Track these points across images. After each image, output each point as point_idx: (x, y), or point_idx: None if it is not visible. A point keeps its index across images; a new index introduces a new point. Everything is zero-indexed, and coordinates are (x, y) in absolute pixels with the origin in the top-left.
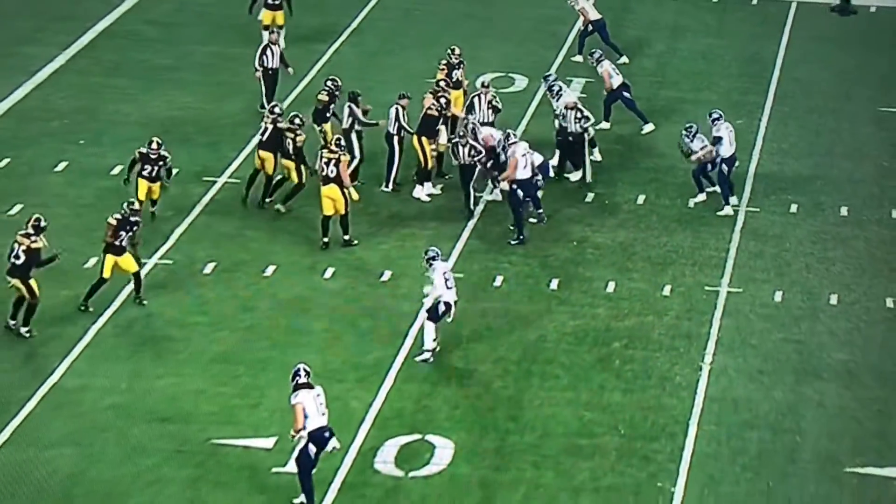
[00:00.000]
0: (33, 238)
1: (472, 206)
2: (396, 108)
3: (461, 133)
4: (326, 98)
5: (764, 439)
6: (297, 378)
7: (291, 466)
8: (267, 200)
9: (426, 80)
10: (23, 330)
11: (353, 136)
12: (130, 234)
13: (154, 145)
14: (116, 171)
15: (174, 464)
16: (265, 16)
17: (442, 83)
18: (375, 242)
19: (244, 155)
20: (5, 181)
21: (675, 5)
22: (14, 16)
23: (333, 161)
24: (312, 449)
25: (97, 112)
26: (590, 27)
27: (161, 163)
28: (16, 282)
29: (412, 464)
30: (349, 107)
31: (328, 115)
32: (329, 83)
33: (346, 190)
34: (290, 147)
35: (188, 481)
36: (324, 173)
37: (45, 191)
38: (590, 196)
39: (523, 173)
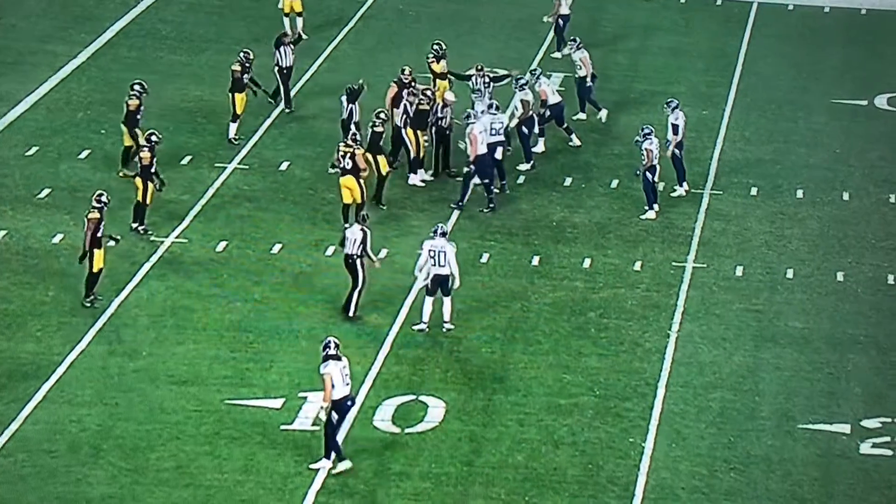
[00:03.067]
0: (358, 148)
1: (354, 310)
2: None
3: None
4: (239, 69)
5: (726, 399)
6: (328, 350)
7: (298, 424)
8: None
9: (419, 75)
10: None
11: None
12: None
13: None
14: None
15: (193, 421)
16: (285, 3)
17: (421, 86)
18: (373, 223)
19: (252, 143)
20: (35, 167)
21: (646, 5)
22: (39, 17)
23: (349, 154)
24: (335, 416)
25: (117, 104)
26: (560, 21)
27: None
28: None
29: (408, 421)
30: (405, 104)
31: (244, 83)
32: (241, 55)
33: (361, 181)
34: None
35: (206, 437)
36: (341, 165)
37: (71, 176)
38: (568, 181)
39: (481, 149)
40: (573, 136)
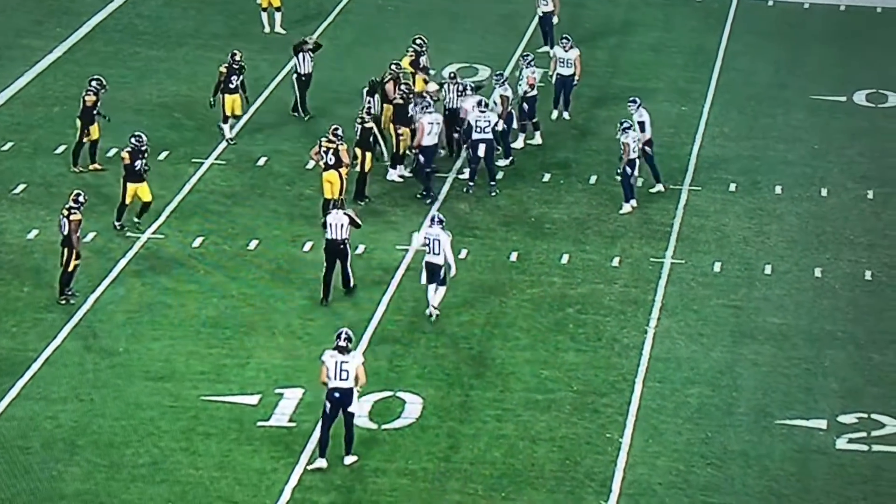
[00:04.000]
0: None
1: (351, 284)
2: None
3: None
4: (226, 70)
5: (703, 394)
6: (338, 340)
7: (274, 420)
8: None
9: (399, 71)
10: None
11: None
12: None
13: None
14: (112, 153)
15: (169, 417)
16: None
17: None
18: None
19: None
20: (11, 162)
21: (626, 1)
22: (15, 11)
23: (332, 150)
24: (327, 405)
25: None
26: (551, 18)
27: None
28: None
29: (385, 417)
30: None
31: (230, 84)
32: (229, 57)
33: (343, 175)
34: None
35: (182, 433)
36: (323, 161)
37: (47, 171)
38: (547, 176)
39: (427, 140)
40: (537, 134)
